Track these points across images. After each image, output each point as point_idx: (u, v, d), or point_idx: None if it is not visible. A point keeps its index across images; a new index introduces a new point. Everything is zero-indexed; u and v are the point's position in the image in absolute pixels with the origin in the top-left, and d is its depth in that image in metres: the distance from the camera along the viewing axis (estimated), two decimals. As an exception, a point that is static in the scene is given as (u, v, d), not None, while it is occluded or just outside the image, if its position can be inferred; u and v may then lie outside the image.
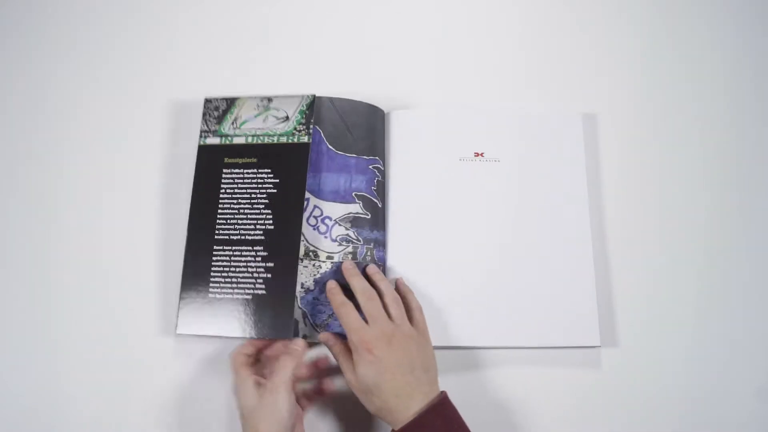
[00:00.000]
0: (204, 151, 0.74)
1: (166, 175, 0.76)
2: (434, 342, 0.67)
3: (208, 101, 0.76)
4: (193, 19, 0.83)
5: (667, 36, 0.82)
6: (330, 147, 0.73)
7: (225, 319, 0.68)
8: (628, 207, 0.75)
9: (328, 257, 0.71)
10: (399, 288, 0.69)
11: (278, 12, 0.83)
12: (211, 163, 0.73)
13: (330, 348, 0.67)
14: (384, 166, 0.75)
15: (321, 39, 0.82)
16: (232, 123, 0.75)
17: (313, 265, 0.70)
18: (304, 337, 0.69)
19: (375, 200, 0.73)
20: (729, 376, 0.70)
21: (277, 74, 0.80)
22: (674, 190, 0.76)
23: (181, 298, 0.69)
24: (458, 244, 0.73)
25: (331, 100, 0.75)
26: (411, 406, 0.59)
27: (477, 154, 0.75)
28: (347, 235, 0.71)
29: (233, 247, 0.70)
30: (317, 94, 0.75)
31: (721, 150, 0.77)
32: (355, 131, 0.74)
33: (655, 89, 0.79)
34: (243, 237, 0.70)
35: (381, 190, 0.74)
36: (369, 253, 0.71)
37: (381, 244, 0.72)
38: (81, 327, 0.72)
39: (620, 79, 0.80)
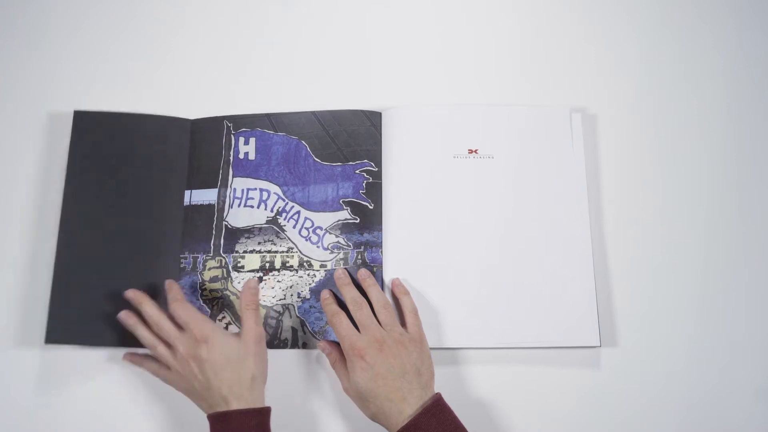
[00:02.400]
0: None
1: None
2: (431, 343, 0.68)
3: None
4: (186, 31, 0.83)
5: (667, 35, 0.81)
6: (316, 159, 0.75)
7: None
8: (627, 206, 0.75)
9: (322, 266, 0.72)
10: (394, 290, 0.70)
11: (273, 19, 0.83)
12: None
13: (327, 356, 0.68)
14: (379, 166, 0.75)
15: (315, 44, 0.82)
16: None
17: (308, 275, 0.72)
18: (303, 345, 0.70)
19: (364, 203, 0.73)
20: (729, 376, 0.70)
21: (274, 82, 0.80)
22: (674, 188, 0.76)
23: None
24: (454, 242, 0.73)
25: (313, 113, 0.77)
26: (404, 410, 0.60)
27: (471, 151, 0.75)
28: (338, 242, 0.73)
29: None
30: (308, 107, 0.77)
31: (721, 149, 0.77)
32: (339, 139, 0.75)
33: (655, 88, 0.79)
34: None
35: (373, 191, 0.74)
36: (360, 257, 0.72)
37: (374, 245, 0.72)
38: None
39: (620, 77, 0.80)
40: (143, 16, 0.83)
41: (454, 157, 0.75)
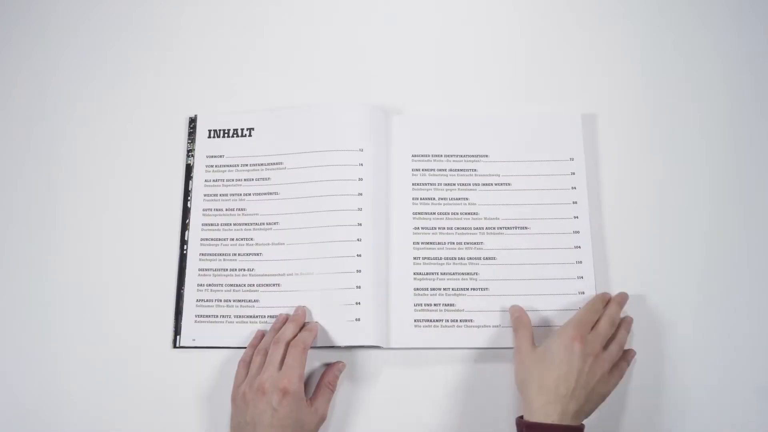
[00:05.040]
0: (190, 170, 0.77)
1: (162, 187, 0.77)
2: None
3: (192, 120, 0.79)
4: (186, 30, 0.83)
5: (667, 35, 0.81)
6: None
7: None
8: (627, 207, 0.75)
9: None
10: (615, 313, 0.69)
11: (272, 23, 0.83)
12: None
13: (518, 317, 0.69)
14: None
15: (319, 49, 0.82)
16: None
17: None
18: None
19: None
20: (729, 375, 0.70)
21: (274, 85, 0.81)
22: (674, 189, 0.76)
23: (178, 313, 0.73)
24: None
25: None
26: (553, 408, 0.61)
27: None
28: None
29: None
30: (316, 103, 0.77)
31: (721, 150, 0.77)
32: None
33: (655, 89, 0.79)
34: None
35: None
36: None
37: None
38: (82, 331, 0.73)
39: (620, 79, 0.80)
40: (144, 14, 0.83)
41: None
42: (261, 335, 0.70)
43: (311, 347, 0.68)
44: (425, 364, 0.71)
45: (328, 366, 0.70)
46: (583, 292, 0.72)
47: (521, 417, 0.63)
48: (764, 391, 0.70)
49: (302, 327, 0.69)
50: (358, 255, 0.71)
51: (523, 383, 0.64)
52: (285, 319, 0.70)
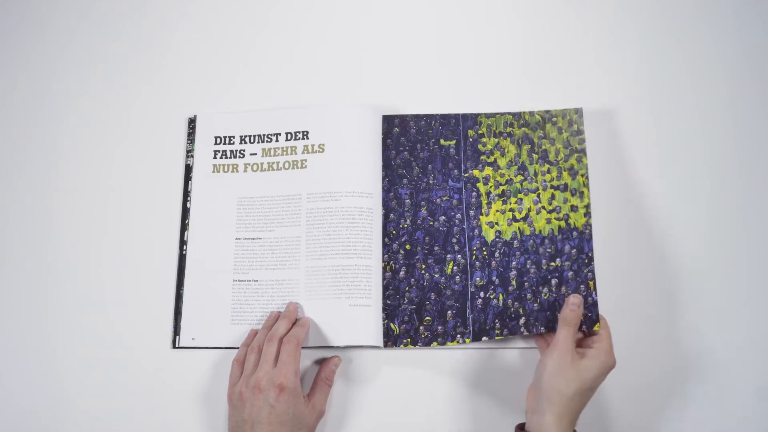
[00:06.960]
0: (190, 171, 0.77)
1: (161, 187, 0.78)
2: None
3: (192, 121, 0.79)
4: (185, 30, 0.83)
5: (672, 34, 0.81)
6: None
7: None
8: (629, 205, 0.75)
9: None
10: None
11: (272, 24, 0.83)
12: None
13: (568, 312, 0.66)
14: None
15: (318, 49, 0.82)
16: None
17: None
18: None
19: None
20: (729, 375, 0.70)
21: (271, 86, 0.81)
22: (677, 188, 0.76)
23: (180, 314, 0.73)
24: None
25: None
26: (567, 428, 0.61)
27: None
28: None
29: None
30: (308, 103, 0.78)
31: (725, 149, 0.77)
32: None
33: (659, 87, 0.79)
34: None
35: None
36: None
37: None
38: (82, 331, 0.73)
39: (624, 77, 0.79)
40: (143, 15, 0.83)
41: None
42: (254, 334, 0.70)
43: (306, 347, 0.69)
44: (424, 364, 0.71)
45: (323, 361, 0.70)
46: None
47: (522, 426, 0.63)
48: (764, 391, 0.69)
49: (294, 323, 0.69)
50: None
51: (548, 386, 0.62)
52: (276, 316, 0.70)
